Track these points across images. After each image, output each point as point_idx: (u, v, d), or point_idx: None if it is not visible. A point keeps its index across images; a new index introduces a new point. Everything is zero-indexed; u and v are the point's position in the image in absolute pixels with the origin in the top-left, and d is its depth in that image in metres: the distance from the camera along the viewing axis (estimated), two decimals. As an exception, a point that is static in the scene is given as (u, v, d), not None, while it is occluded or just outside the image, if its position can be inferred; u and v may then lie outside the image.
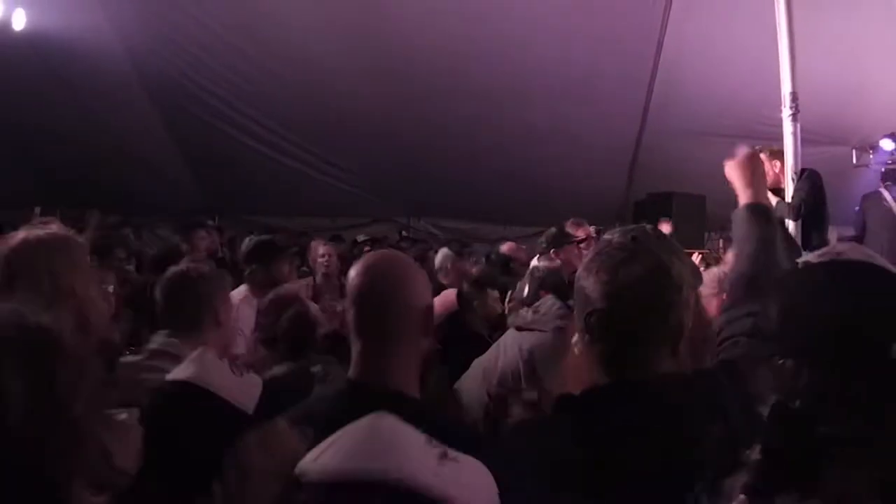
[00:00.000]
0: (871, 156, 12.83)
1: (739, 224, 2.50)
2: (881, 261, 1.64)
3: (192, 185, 12.21)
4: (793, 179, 7.19)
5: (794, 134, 7.11)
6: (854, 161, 13.15)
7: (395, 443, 1.45)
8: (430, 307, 2.54)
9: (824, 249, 1.69)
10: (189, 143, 11.61)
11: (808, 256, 1.69)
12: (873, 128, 12.26)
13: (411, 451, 1.45)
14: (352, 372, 2.38)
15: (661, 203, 11.69)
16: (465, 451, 1.50)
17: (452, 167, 11.98)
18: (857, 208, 11.47)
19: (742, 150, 2.75)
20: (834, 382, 1.47)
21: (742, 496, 1.51)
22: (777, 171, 7.50)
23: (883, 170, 12.06)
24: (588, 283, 1.96)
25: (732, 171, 2.69)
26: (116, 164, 11.16)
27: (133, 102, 10.65)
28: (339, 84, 10.65)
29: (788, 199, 7.16)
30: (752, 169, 2.65)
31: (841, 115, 11.77)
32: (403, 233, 12.86)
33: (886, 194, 10.58)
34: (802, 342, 1.54)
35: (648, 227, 2.15)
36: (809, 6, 8.16)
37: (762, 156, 6.84)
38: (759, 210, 2.52)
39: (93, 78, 10.22)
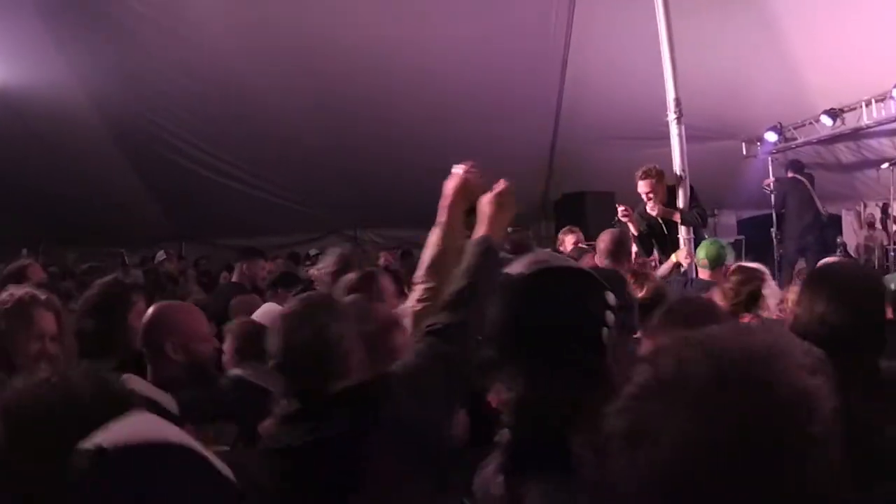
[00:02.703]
0: (758, 147, 13.85)
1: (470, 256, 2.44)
2: (575, 263, 1.79)
3: (160, 216, 12.54)
4: (681, 176, 7.71)
5: (680, 135, 7.70)
6: (744, 153, 14.13)
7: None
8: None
9: (531, 259, 1.78)
10: (154, 180, 11.97)
11: (518, 267, 1.75)
12: (757, 122, 13.17)
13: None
14: None
15: (575, 202, 12.56)
16: None
17: (389, 183, 12.39)
18: (769, 192, 12.72)
19: (500, 184, 2.71)
20: (551, 374, 1.58)
21: (500, 477, 1.63)
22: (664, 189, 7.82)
23: (779, 161, 13.37)
24: None
25: (486, 206, 2.63)
26: (91, 204, 11.51)
27: (100, 146, 11.06)
28: (285, 118, 11.16)
29: (679, 202, 7.65)
30: (500, 205, 2.62)
31: (728, 112, 12.56)
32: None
33: (803, 180, 11.75)
34: (522, 343, 1.63)
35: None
36: (690, 18, 8.94)
37: (650, 182, 7.65)
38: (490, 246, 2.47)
39: (60, 125, 10.60)
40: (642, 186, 7.70)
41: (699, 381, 1.07)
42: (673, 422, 1.05)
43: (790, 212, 11.97)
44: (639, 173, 7.81)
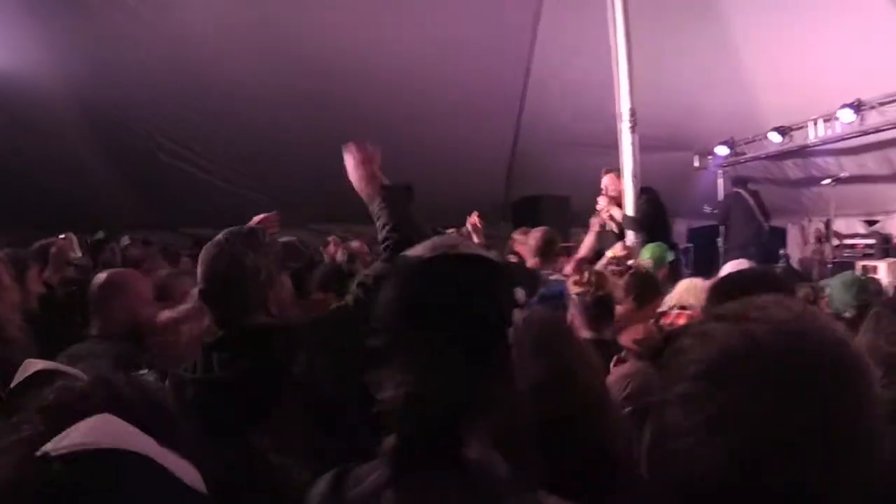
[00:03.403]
0: (709, 159, 14.36)
1: None
2: (484, 251, 1.62)
3: (134, 203, 12.55)
4: (632, 182, 7.93)
5: (633, 143, 7.89)
6: (696, 164, 14.61)
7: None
8: None
9: (436, 242, 1.58)
10: (129, 168, 12.05)
11: (419, 250, 1.55)
12: (710, 136, 13.62)
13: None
14: None
15: (531, 204, 12.90)
16: None
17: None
18: (719, 204, 13.40)
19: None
20: (446, 368, 1.41)
21: (388, 491, 1.41)
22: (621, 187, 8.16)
23: (728, 175, 13.90)
24: None
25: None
26: (68, 190, 11.48)
27: (78, 135, 11.13)
28: (258, 114, 11.30)
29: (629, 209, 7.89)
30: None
31: (683, 126, 12.95)
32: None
33: (746, 195, 12.21)
34: (415, 331, 1.45)
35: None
36: (651, 36, 9.19)
37: (612, 176, 8.11)
38: None
39: (39, 111, 10.56)
40: (616, 184, 8.13)
41: (779, 363, 1.06)
42: (755, 406, 1.02)
43: (735, 224, 12.43)
44: (612, 173, 8.22)
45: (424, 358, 1.42)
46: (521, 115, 12.80)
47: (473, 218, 5.90)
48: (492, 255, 1.60)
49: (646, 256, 6.44)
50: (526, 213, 12.67)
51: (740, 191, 12.44)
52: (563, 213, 12.05)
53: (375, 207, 2.93)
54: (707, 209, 13.67)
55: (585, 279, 3.91)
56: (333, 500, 1.48)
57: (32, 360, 2.43)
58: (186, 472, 1.24)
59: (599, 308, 3.77)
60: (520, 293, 1.54)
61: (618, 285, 4.29)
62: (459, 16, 10.53)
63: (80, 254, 5.75)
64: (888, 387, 1.87)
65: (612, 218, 8.11)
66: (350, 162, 3.16)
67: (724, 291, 2.89)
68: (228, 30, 10.14)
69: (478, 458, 1.39)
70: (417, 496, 1.38)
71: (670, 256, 6.73)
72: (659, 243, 6.99)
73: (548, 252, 5.84)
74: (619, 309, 4.14)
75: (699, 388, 1.09)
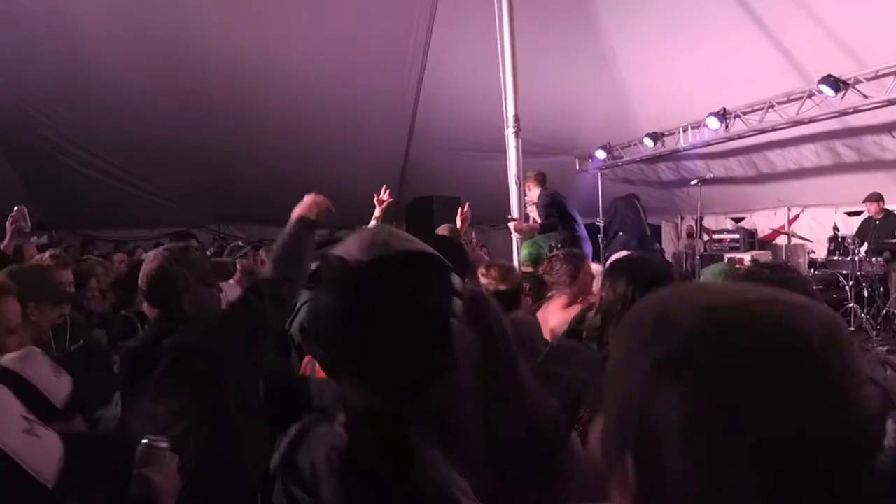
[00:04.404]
0: (589, 162, 14.97)
1: None
2: (418, 243, 1.49)
3: (34, 206, 11.97)
4: (516, 183, 8.25)
5: (517, 147, 8.17)
6: (577, 167, 15.24)
7: None
8: None
9: (369, 240, 1.43)
10: (29, 172, 11.86)
11: (353, 249, 1.42)
12: (589, 141, 14.22)
13: (3, 417, 1.67)
14: None
15: (424, 204, 12.97)
16: None
17: (252, 184, 12.61)
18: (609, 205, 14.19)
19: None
20: (393, 377, 1.35)
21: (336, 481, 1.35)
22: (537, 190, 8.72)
23: (608, 178, 14.62)
24: None
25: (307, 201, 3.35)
26: None
27: None
28: (154, 119, 11.21)
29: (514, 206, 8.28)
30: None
31: (563, 132, 13.51)
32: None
33: (638, 203, 12.88)
34: (359, 342, 1.36)
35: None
36: (536, 49, 9.65)
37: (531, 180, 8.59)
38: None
39: None
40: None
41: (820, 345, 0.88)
42: (795, 392, 0.81)
43: (627, 226, 13.21)
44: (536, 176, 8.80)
45: (368, 368, 1.36)
46: (414, 122, 13.23)
47: (383, 195, 6.04)
48: (426, 247, 1.48)
49: (524, 255, 6.79)
50: (419, 212, 12.90)
51: (634, 199, 13.24)
52: (454, 212, 12.28)
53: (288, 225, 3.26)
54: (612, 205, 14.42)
55: (492, 274, 4.14)
56: (287, 460, 1.46)
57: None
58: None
59: (502, 300, 3.68)
60: (456, 280, 1.46)
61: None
62: (357, 28, 10.78)
63: (30, 224, 6.02)
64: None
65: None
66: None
67: (616, 272, 3.24)
68: (129, 39, 10.14)
69: (423, 457, 1.35)
70: (359, 495, 1.35)
71: (545, 248, 6.99)
72: (533, 241, 7.39)
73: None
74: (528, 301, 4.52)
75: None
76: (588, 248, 8.74)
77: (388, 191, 5.86)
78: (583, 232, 9.02)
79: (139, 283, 3.16)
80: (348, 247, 1.43)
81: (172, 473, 2.28)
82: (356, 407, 1.37)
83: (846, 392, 0.79)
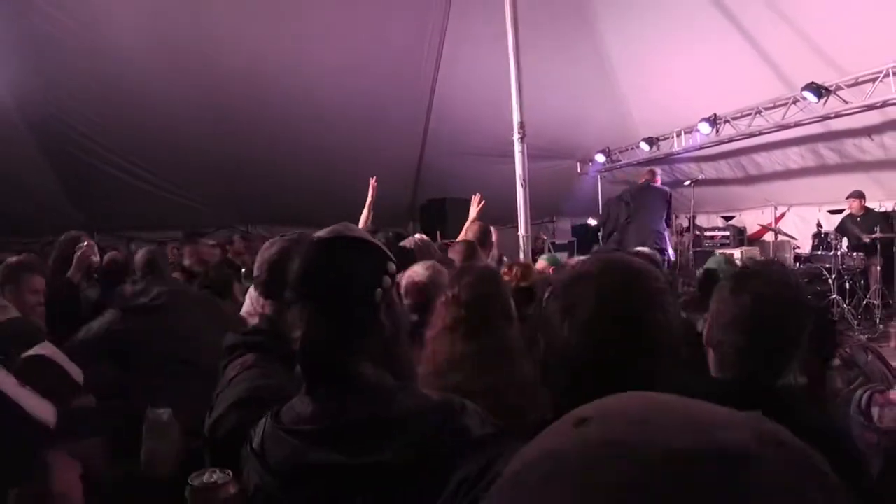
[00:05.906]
0: (589, 166, 15.30)
1: None
2: (369, 236, 1.86)
3: (74, 210, 12.18)
4: (522, 185, 8.44)
5: (522, 151, 8.35)
6: (578, 170, 15.55)
7: None
8: None
9: (334, 227, 1.86)
10: (68, 178, 11.75)
11: (323, 232, 1.85)
12: (590, 146, 14.57)
13: None
14: None
15: (437, 206, 13.42)
16: None
17: (276, 187, 12.75)
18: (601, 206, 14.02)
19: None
20: (328, 319, 1.73)
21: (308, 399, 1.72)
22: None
23: (607, 179, 14.72)
24: None
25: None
26: (13, 199, 11.11)
27: (24, 148, 10.88)
28: (183, 126, 11.33)
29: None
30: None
31: (566, 137, 13.82)
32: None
33: (624, 207, 13.29)
34: (308, 292, 1.76)
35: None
36: (540, 60, 9.91)
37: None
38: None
39: None
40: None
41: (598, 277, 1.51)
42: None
43: (620, 224, 13.65)
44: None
45: (313, 311, 1.74)
46: (427, 128, 13.49)
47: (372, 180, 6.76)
48: (372, 238, 1.88)
49: (548, 261, 7.03)
50: (433, 213, 13.27)
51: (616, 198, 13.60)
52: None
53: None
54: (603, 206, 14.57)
55: (513, 273, 4.36)
56: (274, 425, 1.78)
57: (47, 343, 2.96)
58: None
59: (521, 296, 3.94)
60: (392, 266, 1.82)
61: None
62: (370, 38, 11.00)
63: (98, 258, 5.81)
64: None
65: None
66: None
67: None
68: (158, 49, 10.23)
69: (367, 373, 1.71)
70: (324, 402, 1.70)
71: (561, 258, 7.49)
72: (551, 255, 7.76)
73: (484, 240, 6.37)
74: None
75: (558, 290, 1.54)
76: None
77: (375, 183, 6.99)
78: None
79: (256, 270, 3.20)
80: (322, 231, 1.86)
81: (176, 441, 2.44)
82: (304, 335, 1.74)
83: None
